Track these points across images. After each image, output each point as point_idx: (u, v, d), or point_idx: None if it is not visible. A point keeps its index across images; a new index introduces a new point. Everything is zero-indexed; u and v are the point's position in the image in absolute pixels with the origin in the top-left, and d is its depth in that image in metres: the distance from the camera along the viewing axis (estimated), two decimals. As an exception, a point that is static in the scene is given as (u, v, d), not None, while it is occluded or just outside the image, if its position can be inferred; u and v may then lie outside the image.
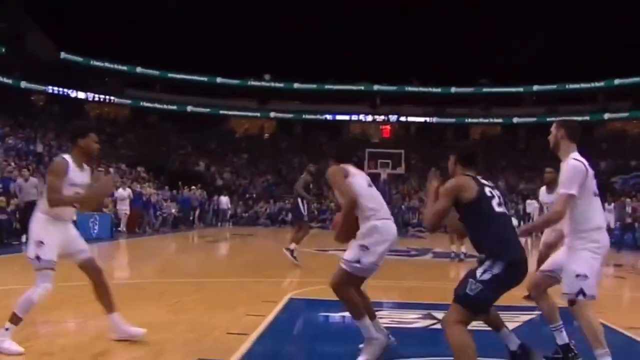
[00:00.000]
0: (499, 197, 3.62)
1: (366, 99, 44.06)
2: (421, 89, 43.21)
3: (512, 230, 3.59)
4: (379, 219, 4.15)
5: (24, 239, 12.91)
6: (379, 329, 4.27)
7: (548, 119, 41.14)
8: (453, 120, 43.08)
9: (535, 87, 42.28)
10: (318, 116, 43.53)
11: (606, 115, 40.14)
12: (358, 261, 4.09)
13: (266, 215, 29.98)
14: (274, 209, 30.51)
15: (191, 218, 24.56)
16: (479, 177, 3.68)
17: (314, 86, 43.44)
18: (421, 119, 43.39)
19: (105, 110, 42.15)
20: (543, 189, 7.47)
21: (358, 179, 4.25)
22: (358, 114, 43.63)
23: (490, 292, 3.35)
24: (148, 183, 23.50)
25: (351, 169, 4.30)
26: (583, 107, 39.74)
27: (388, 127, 43.09)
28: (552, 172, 6.92)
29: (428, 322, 5.59)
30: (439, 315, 5.76)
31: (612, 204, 19.04)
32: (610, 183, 30.62)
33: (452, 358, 3.34)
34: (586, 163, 3.96)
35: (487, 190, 3.59)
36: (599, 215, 3.95)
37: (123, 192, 18.49)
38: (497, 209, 3.55)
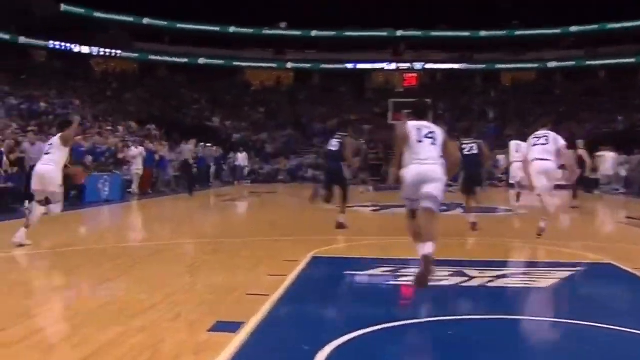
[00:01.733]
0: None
1: (389, 45, 43.16)
2: (448, 33, 42.16)
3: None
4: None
5: (26, 204, 12.78)
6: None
7: (587, 63, 40.47)
8: (482, 66, 42.12)
9: (573, 28, 41.02)
10: (338, 66, 42.83)
11: (653, 57, 39.03)
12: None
13: (286, 171, 30.05)
14: (293, 165, 30.59)
15: (207, 177, 24.72)
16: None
17: (333, 33, 42.67)
18: (448, 66, 42.43)
19: (111, 65, 41.65)
20: None
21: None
22: (381, 62, 42.82)
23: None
24: (160, 141, 23.29)
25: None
26: (627, 49, 38.52)
27: (413, 75, 42.32)
28: None
29: (459, 279, 5.56)
30: (471, 272, 5.80)
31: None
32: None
33: (486, 316, 3.41)
34: None
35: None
36: None
37: (135, 151, 18.40)
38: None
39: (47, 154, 7.83)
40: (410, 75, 41.82)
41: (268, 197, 19.84)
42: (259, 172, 30.24)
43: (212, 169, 25.27)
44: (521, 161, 10.45)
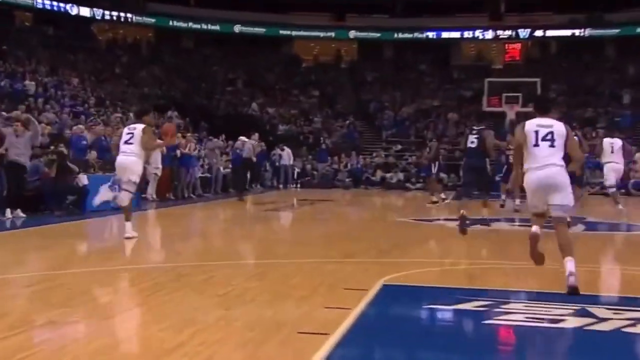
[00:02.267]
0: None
1: (485, 7, 42.79)
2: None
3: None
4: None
5: (8, 213, 13.37)
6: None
7: None
8: (616, 30, 40.89)
9: None
10: (416, 34, 42.78)
11: None
12: None
13: (346, 172, 30.16)
14: (356, 165, 30.65)
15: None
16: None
17: None
18: (567, 32, 41.53)
19: (120, 33, 42.45)
20: None
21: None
22: (473, 29, 42.36)
23: None
24: (184, 132, 23.64)
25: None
26: None
27: (517, 46, 41.61)
28: None
29: (583, 320, 5.50)
30: (599, 312, 5.71)
31: None
32: None
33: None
34: None
35: None
36: None
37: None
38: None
39: (128, 143, 10.30)
40: (513, 46, 41.26)
41: (323, 206, 20.00)
42: (311, 173, 30.57)
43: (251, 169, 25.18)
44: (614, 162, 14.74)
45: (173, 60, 41.08)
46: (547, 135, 6.52)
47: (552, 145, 6.49)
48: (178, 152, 20.07)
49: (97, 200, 11.08)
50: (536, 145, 6.53)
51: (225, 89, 39.12)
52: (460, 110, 33.66)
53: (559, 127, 6.60)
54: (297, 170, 29.49)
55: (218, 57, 41.96)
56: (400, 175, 29.03)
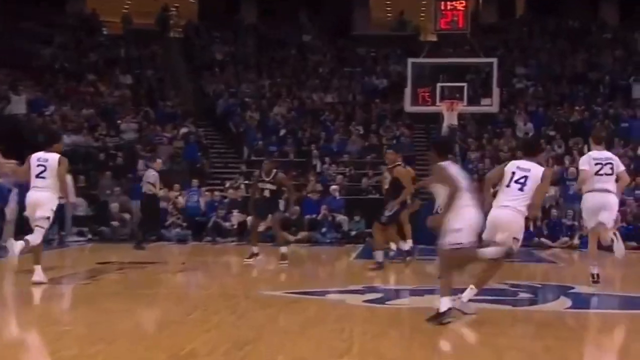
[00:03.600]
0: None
1: None
2: None
3: None
4: None
5: None
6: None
7: None
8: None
9: None
10: None
11: None
12: None
13: (179, 216, 27.61)
14: (196, 202, 28.31)
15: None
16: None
17: None
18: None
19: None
20: None
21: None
22: None
23: None
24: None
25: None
26: None
27: (460, 3, 34.82)
28: None
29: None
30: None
31: None
32: None
33: None
34: None
35: None
36: None
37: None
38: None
39: (40, 177, 12.69)
40: (453, 3, 35.41)
41: (141, 273, 17.85)
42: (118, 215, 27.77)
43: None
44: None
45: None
46: (520, 178, 9.31)
47: (521, 189, 9.28)
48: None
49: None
50: (507, 186, 9.35)
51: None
52: (369, 111, 33.65)
53: (535, 172, 9.35)
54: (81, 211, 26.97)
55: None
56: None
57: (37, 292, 13.97)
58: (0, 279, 16.61)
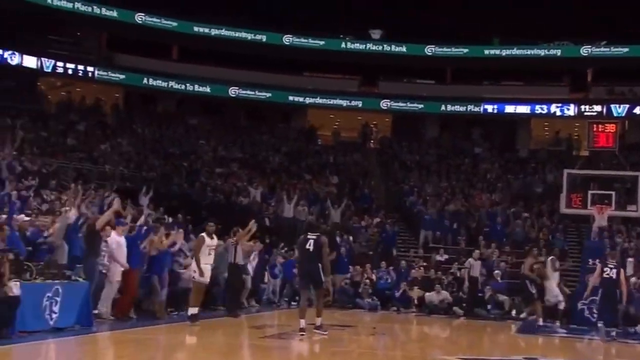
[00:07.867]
0: None
1: (564, 73, 43.41)
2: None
3: None
4: None
5: None
6: None
7: None
8: None
9: None
10: (470, 107, 43.18)
11: None
12: None
13: (369, 289, 28.96)
14: (386, 279, 29.53)
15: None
16: None
17: (464, 51, 42.67)
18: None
19: (76, 92, 42.04)
20: None
21: None
22: (548, 102, 42.53)
23: None
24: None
25: None
26: None
27: (609, 126, 39.22)
28: None
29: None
30: None
31: None
32: None
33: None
34: None
35: None
36: None
37: (116, 237, 18.45)
38: None
39: None
40: (603, 126, 39.56)
41: (341, 334, 19.31)
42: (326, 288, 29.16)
43: (247, 279, 24.54)
44: None
45: (146, 130, 41.04)
46: None
47: None
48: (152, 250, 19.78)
49: None
50: None
51: (214, 171, 38.66)
52: (529, 210, 34.33)
53: None
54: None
55: (206, 129, 42.13)
56: (446, 294, 27.69)
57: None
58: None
